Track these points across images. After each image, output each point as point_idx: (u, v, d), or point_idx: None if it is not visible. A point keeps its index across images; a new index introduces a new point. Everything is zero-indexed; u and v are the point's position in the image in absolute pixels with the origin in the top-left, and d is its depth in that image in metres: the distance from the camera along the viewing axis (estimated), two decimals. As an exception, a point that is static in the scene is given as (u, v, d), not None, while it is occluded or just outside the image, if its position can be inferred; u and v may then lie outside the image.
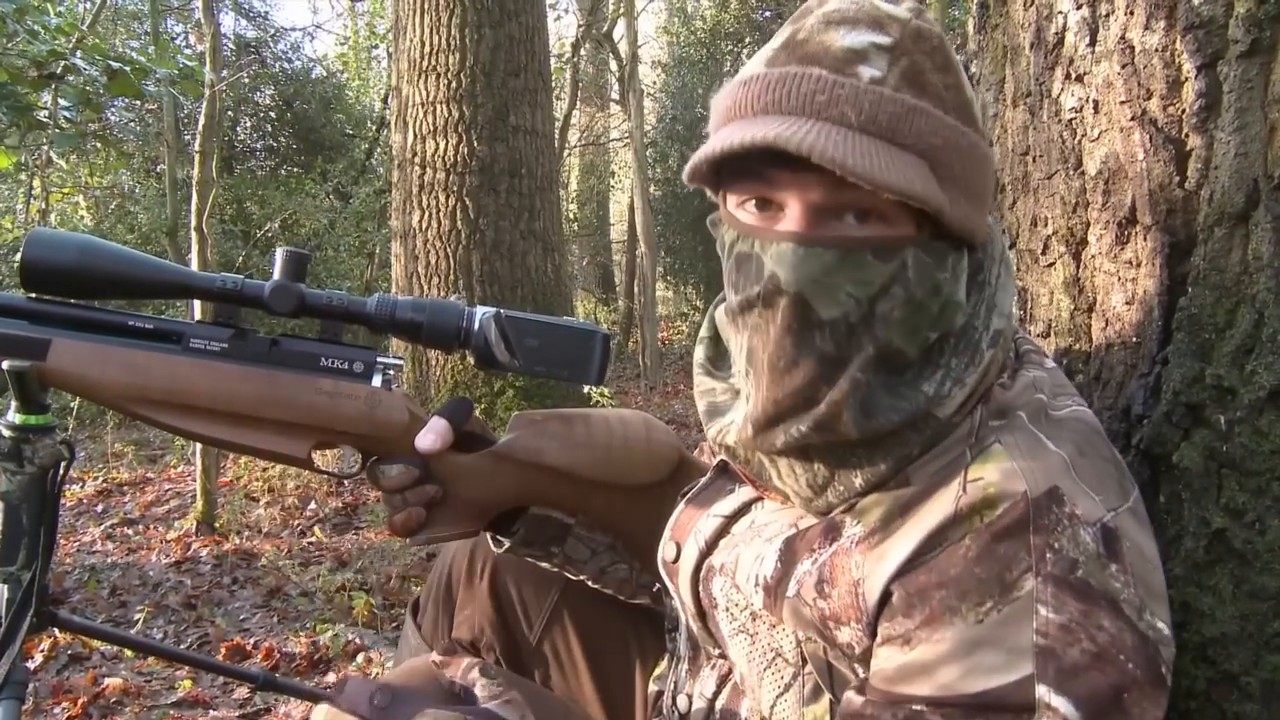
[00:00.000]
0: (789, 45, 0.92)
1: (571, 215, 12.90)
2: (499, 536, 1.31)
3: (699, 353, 1.10)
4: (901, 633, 0.85)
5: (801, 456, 0.94)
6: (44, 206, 7.81)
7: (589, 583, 1.34)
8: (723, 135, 0.89)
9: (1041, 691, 0.78)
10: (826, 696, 0.95)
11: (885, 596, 0.87)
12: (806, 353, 0.89)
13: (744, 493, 1.07)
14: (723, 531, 1.06)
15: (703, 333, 1.11)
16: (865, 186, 0.82)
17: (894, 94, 0.87)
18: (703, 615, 1.06)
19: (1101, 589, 0.81)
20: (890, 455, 0.92)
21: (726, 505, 1.07)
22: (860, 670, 0.91)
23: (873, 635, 0.88)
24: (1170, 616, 0.85)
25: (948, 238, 0.91)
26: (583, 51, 10.73)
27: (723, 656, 1.07)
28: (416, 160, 4.95)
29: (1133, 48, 1.12)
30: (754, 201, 0.93)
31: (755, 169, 0.90)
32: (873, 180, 0.82)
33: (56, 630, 2.60)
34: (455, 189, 4.85)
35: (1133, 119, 1.13)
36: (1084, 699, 0.78)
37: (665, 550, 1.12)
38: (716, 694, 1.07)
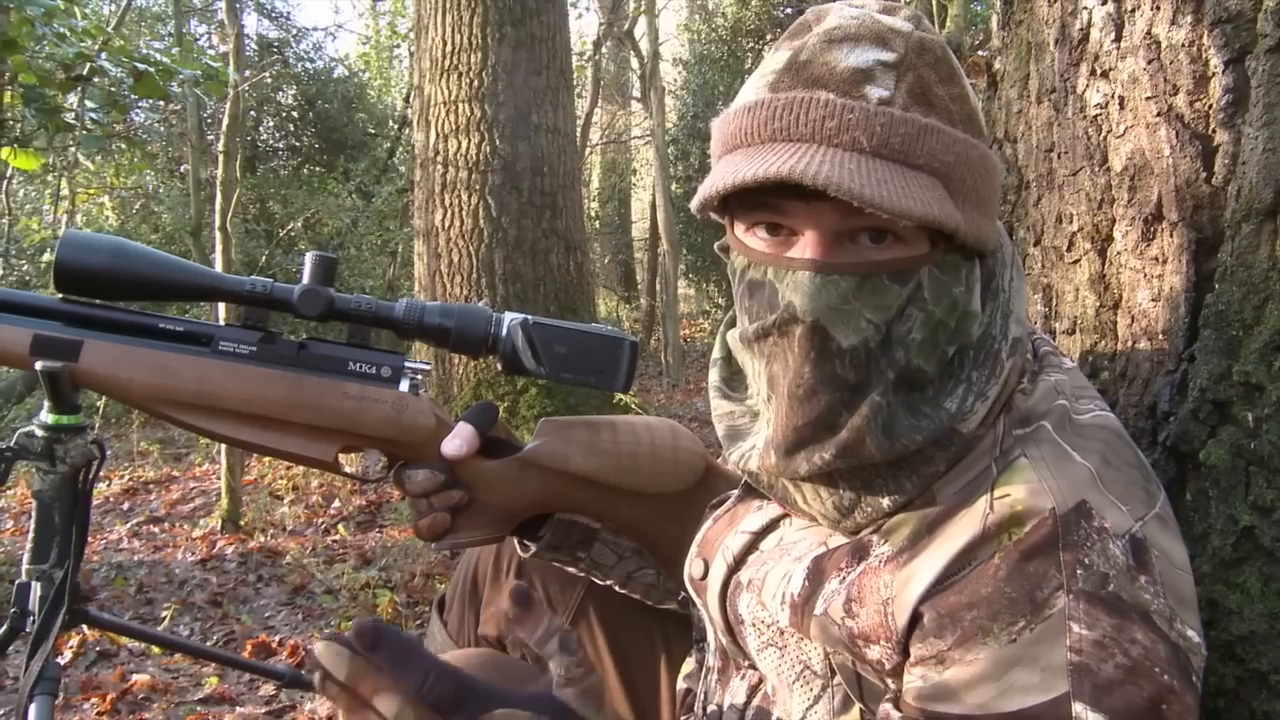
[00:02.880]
0: (792, 67, 0.90)
1: (593, 213, 12.91)
2: (525, 541, 1.31)
3: (714, 375, 1.09)
4: (934, 653, 0.84)
5: (826, 481, 0.93)
6: (70, 207, 7.87)
7: (616, 588, 1.34)
8: (732, 165, 0.88)
9: (1078, 709, 0.78)
10: (857, 707, 0.95)
11: (916, 617, 0.86)
12: (827, 380, 0.88)
13: (771, 509, 1.05)
14: (750, 548, 1.05)
15: (715, 354, 1.09)
16: (883, 216, 0.81)
17: (904, 114, 0.85)
18: (731, 630, 1.06)
19: (1133, 602, 0.80)
20: (915, 474, 0.91)
21: (754, 522, 1.06)
22: (891, 682, 0.90)
23: (903, 653, 0.87)
24: (1200, 622, 0.84)
25: (961, 250, 0.90)
26: (604, 49, 10.75)
27: (752, 667, 1.07)
28: (439, 159, 4.96)
29: (1159, 43, 1.12)
30: (765, 226, 0.92)
31: (765, 198, 0.89)
32: (891, 209, 0.81)
33: (85, 627, 2.63)
34: (478, 187, 4.86)
35: (1159, 115, 1.12)
36: (1121, 713, 0.78)
37: (693, 567, 1.11)
38: (747, 704, 1.06)
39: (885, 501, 0.91)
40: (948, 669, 0.83)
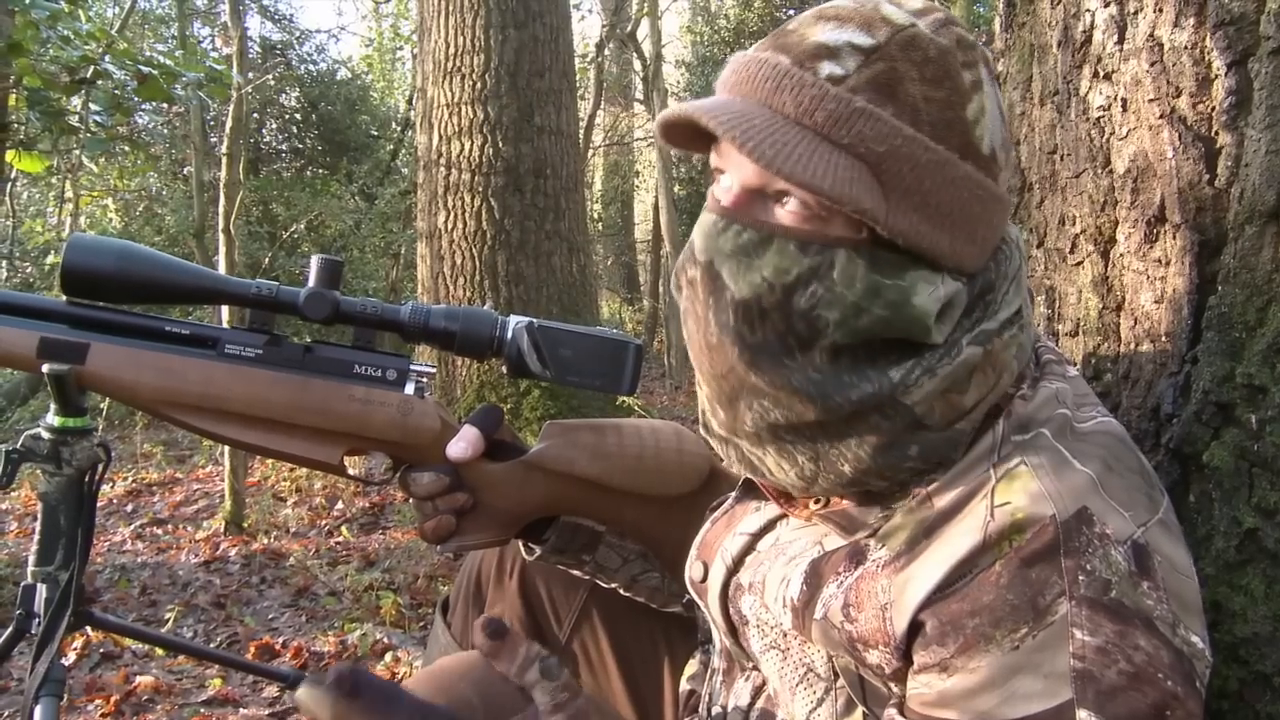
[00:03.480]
0: (777, 33, 0.92)
1: (596, 215, 12.92)
2: (530, 544, 1.31)
3: None
4: (937, 661, 0.84)
5: (776, 442, 0.93)
6: (74, 209, 7.89)
7: (621, 590, 1.34)
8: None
9: (1083, 716, 0.77)
10: (860, 709, 0.94)
11: (916, 625, 0.86)
12: (726, 330, 0.89)
13: (769, 510, 1.06)
14: (748, 549, 1.05)
15: None
16: (765, 170, 0.83)
17: (842, 93, 0.85)
18: (734, 631, 1.06)
19: (1135, 608, 0.80)
20: (865, 442, 0.90)
21: (752, 523, 1.06)
22: (894, 686, 0.90)
23: (902, 659, 0.87)
24: (1205, 628, 0.84)
25: (901, 252, 0.87)
26: (607, 51, 10.75)
27: (756, 668, 1.07)
28: (442, 161, 4.97)
29: (1162, 45, 1.12)
30: (724, 174, 0.93)
31: (715, 140, 0.91)
32: (770, 165, 0.82)
33: (89, 629, 2.64)
34: (480, 190, 4.87)
35: (1161, 117, 1.12)
36: (1125, 719, 0.77)
37: (693, 569, 1.12)
38: (751, 705, 1.06)
39: (845, 467, 0.91)
40: (950, 676, 0.83)
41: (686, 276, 0.93)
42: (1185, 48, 1.09)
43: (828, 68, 0.86)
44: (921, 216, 0.87)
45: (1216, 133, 1.08)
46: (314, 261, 1.19)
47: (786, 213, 0.88)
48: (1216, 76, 1.07)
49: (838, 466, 0.91)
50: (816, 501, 0.99)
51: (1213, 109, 1.08)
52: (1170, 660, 0.80)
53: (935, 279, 0.89)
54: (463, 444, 1.20)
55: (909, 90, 0.86)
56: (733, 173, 0.90)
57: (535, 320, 1.23)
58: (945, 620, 0.84)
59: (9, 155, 2.86)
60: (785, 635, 0.99)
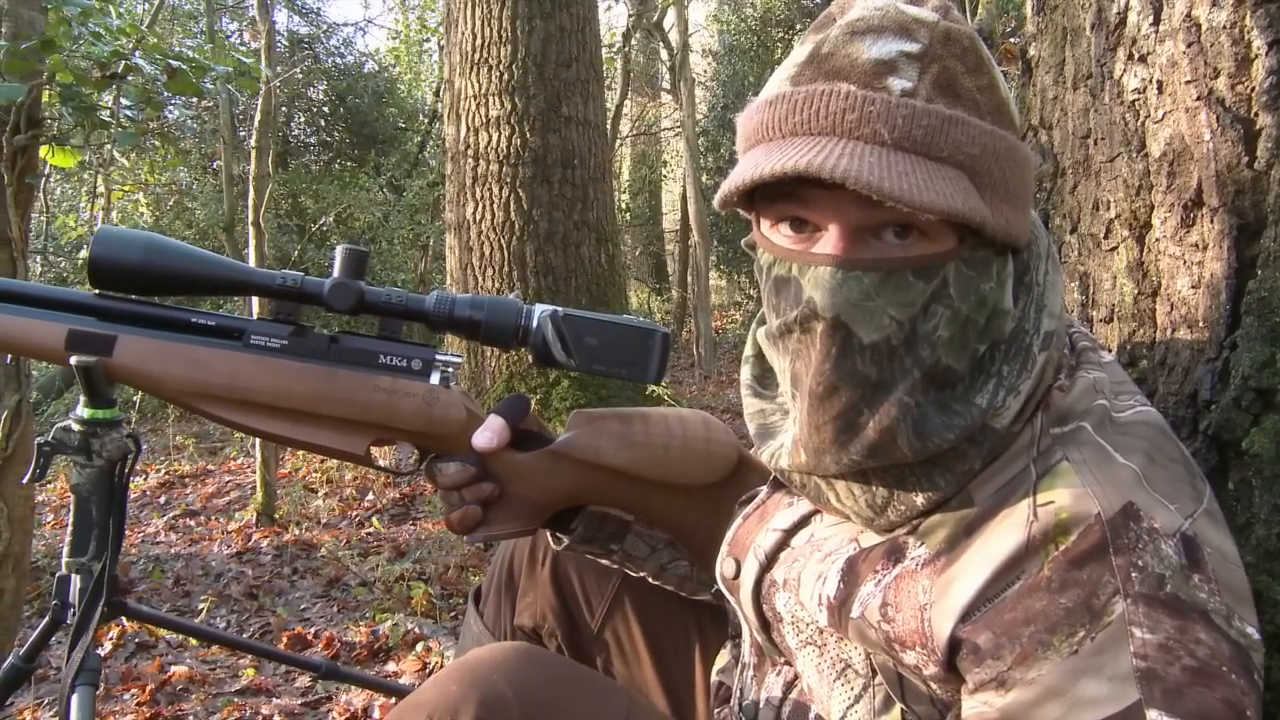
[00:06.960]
0: (814, 60, 0.88)
1: (624, 205, 12.90)
2: (557, 534, 1.31)
3: (745, 373, 1.08)
4: (994, 676, 0.82)
5: (859, 479, 0.92)
6: (106, 204, 7.96)
7: (649, 579, 1.34)
8: (752, 160, 0.87)
9: (1152, 716, 0.75)
10: (898, 707, 0.93)
11: (962, 638, 0.84)
12: (847, 377, 0.87)
13: (802, 505, 1.04)
14: (782, 545, 1.04)
15: (747, 352, 1.09)
16: (904, 209, 0.80)
17: (927, 106, 0.84)
18: (767, 628, 1.05)
19: (1191, 602, 0.78)
20: (950, 471, 0.89)
21: (785, 519, 1.05)
22: (934, 686, 0.89)
23: (940, 665, 0.85)
24: (1256, 617, 0.82)
25: (991, 245, 0.88)
26: (633, 41, 10.72)
27: (788, 663, 1.06)
28: (470, 152, 4.97)
29: (1199, 25, 1.10)
30: (789, 222, 0.90)
31: (789, 190, 0.87)
32: (911, 202, 0.79)
33: (124, 619, 2.67)
34: (509, 180, 4.87)
35: (1199, 99, 1.10)
36: (1196, 716, 0.75)
37: (724, 566, 1.11)
38: (783, 699, 1.05)
39: (919, 499, 0.90)
40: (1009, 691, 0.81)
41: (808, 329, 0.88)
42: (1224, 27, 1.07)
43: (897, 83, 0.84)
44: (1008, 206, 0.88)
45: (1256, 114, 1.06)
46: (339, 252, 1.19)
47: (892, 244, 0.87)
48: (1256, 56, 1.05)
49: (913, 499, 0.91)
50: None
51: (1252, 90, 1.06)
52: (1230, 653, 0.78)
53: (1006, 264, 0.90)
54: (488, 434, 1.20)
55: (964, 84, 0.86)
56: (833, 219, 0.87)
57: (560, 309, 1.22)
58: (999, 631, 0.82)
59: (42, 151, 2.87)
60: (821, 632, 0.98)
